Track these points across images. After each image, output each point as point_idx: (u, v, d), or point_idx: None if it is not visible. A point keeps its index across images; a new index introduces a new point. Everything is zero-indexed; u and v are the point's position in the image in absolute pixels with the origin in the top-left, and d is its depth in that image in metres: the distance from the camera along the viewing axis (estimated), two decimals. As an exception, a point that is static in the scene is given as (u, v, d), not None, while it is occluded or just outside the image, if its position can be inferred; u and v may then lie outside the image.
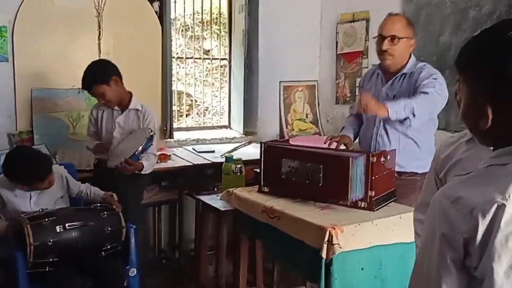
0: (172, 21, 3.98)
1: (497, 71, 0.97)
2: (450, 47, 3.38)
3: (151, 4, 3.74)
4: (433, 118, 2.58)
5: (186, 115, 4.65)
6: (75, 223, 2.34)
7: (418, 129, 2.52)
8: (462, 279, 1.00)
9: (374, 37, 2.65)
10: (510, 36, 0.96)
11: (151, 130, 2.78)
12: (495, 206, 0.94)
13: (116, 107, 2.92)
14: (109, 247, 2.42)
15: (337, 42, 4.43)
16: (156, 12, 3.76)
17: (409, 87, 2.55)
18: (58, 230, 2.27)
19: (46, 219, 2.28)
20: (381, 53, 2.59)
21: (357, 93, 4.18)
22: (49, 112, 3.38)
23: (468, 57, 1.04)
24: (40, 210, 2.41)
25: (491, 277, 0.94)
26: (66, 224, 2.30)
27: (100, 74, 2.80)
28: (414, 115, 2.35)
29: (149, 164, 2.85)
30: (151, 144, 2.78)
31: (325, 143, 2.71)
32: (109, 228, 2.43)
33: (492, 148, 1.06)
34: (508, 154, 1.01)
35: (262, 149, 2.53)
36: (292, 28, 4.43)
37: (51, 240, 2.23)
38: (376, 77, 2.75)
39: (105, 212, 2.48)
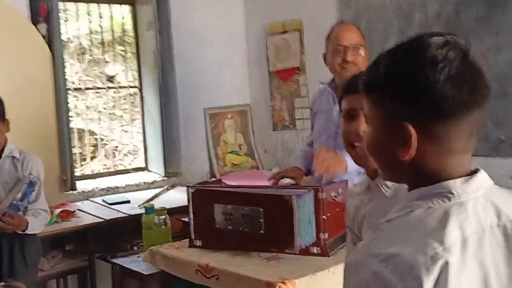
0: (64, 44, 3.95)
1: (423, 90, 0.99)
2: (397, 56, 3.60)
3: (36, 27, 3.70)
4: None
5: (91, 159, 4.57)
6: None
7: None
8: None
9: (331, 49, 2.74)
10: (436, 50, 0.99)
11: (32, 176, 2.81)
12: (439, 259, 0.94)
13: None
14: None
15: (268, 58, 4.59)
16: (43, 36, 3.73)
17: None
18: None
19: None
20: (343, 65, 2.70)
21: (297, 117, 4.30)
22: None
23: (384, 75, 1.05)
24: None
25: None
26: None
27: None
28: None
29: (37, 221, 2.84)
30: (33, 190, 2.81)
31: (268, 181, 2.77)
32: None
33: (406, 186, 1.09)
34: (433, 196, 1.02)
35: (189, 194, 2.53)
36: (214, 46, 4.56)
37: None
38: (322, 96, 2.88)
39: None
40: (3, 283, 2.50)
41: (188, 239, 2.57)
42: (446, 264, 0.95)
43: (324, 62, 2.84)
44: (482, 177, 1.04)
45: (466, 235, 0.99)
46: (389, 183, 1.49)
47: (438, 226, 0.99)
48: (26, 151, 2.96)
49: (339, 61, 2.71)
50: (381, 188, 1.53)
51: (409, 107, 1.00)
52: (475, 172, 1.05)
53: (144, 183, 4.26)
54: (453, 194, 1.01)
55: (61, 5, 3.88)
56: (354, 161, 1.65)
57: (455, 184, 1.02)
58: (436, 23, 3.43)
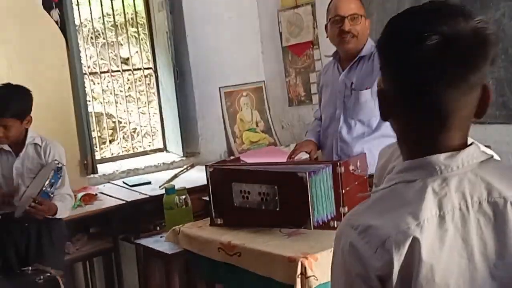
0: (77, 28, 3.96)
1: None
2: (410, 27, 3.56)
3: (49, 13, 3.71)
4: None
5: (110, 142, 4.61)
6: None
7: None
8: None
9: (330, 19, 2.75)
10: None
11: (58, 162, 2.83)
12: (410, 236, 0.95)
13: (7, 147, 2.91)
14: None
15: (281, 33, 4.56)
16: (56, 22, 3.75)
17: (369, 71, 2.71)
18: None
19: None
20: (342, 35, 2.72)
21: (313, 92, 4.30)
22: None
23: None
24: None
25: None
26: None
27: (18, 106, 2.83)
28: None
29: (64, 206, 2.89)
30: (61, 176, 2.83)
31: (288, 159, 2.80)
32: None
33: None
34: (416, 169, 1.02)
35: (208, 173, 2.56)
36: (226, 23, 4.54)
37: None
38: (332, 67, 2.90)
39: (41, 277, 2.47)
40: (31, 268, 2.55)
41: (209, 218, 2.60)
42: (417, 240, 0.95)
43: (325, 32, 2.86)
44: (470, 152, 1.01)
45: (444, 211, 0.98)
46: None
47: (415, 201, 0.99)
48: (48, 138, 2.99)
49: (336, 32, 2.73)
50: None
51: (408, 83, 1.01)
52: (468, 145, 1.03)
53: (163, 163, 4.29)
54: (435, 169, 1.00)
55: (72, -11, 3.88)
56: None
57: (438, 159, 1.00)
58: None
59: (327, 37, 2.86)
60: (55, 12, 3.73)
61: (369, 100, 2.70)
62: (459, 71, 0.97)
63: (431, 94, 0.98)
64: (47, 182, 2.76)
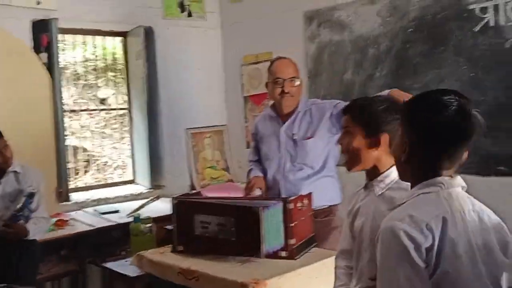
0: (61, 71, 3.94)
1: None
2: (354, 85, 3.70)
3: (38, 55, 3.69)
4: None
5: (84, 173, 4.53)
6: None
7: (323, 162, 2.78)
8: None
9: (272, 80, 2.81)
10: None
11: (33, 188, 2.82)
12: (441, 219, 1.28)
13: None
14: None
15: (242, 85, 4.62)
16: (44, 64, 3.71)
17: (308, 122, 2.79)
18: None
19: None
20: (282, 95, 2.78)
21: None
22: None
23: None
24: None
25: (461, 277, 1.27)
26: None
27: None
28: None
29: (37, 228, 2.84)
30: (31, 202, 2.80)
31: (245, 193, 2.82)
32: None
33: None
34: (430, 185, 1.36)
35: (173, 204, 2.54)
36: (195, 73, 4.58)
37: None
38: (269, 120, 2.93)
39: None
40: (5, 285, 2.46)
41: (171, 245, 2.56)
42: (445, 220, 1.29)
43: (266, 89, 2.93)
44: (459, 179, 1.40)
45: (453, 210, 1.32)
46: (381, 185, 1.78)
47: (435, 203, 1.33)
48: (27, 165, 2.95)
49: (279, 92, 2.79)
50: (374, 187, 1.79)
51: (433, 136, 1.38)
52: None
53: (132, 194, 4.23)
54: (444, 185, 1.36)
55: (60, 36, 3.86)
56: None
57: (444, 179, 1.37)
58: (388, 57, 3.50)
59: (267, 93, 2.94)
60: (44, 56, 3.71)
61: (313, 147, 2.76)
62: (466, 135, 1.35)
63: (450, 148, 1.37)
64: (17, 207, 2.74)
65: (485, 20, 2.99)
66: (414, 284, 1.25)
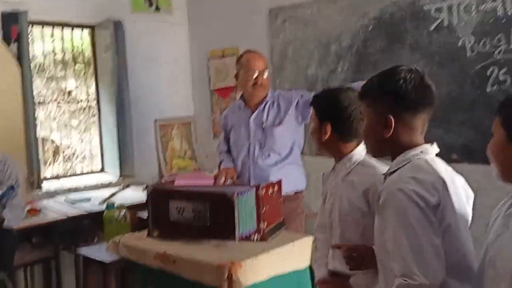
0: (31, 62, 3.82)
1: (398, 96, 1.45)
2: (317, 79, 3.74)
3: (8, 47, 3.57)
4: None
5: (51, 163, 4.42)
6: None
7: (289, 149, 2.84)
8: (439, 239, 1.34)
9: (245, 72, 2.84)
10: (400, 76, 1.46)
11: (12, 179, 2.77)
12: (442, 181, 1.38)
13: None
14: None
15: (209, 78, 4.61)
16: (14, 54, 3.60)
17: (276, 111, 2.85)
18: None
19: None
20: (254, 87, 2.84)
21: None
22: None
23: (374, 89, 1.51)
24: None
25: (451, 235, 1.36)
26: None
27: None
28: None
29: (13, 216, 2.78)
30: (13, 193, 2.75)
31: (215, 183, 2.82)
32: None
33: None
34: (415, 154, 1.45)
35: (148, 192, 2.53)
36: (163, 66, 4.54)
37: None
38: (238, 110, 2.98)
39: None
40: None
41: (146, 231, 2.54)
42: (444, 182, 1.39)
43: (235, 79, 2.95)
44: (435, 145, 1.50)
45: (441, 170, 1.42)
46: (346, 166, 1.88)
47: (429, 166, 1.42)
48: (6, 155, 2.87)
49: (250, 83, 2.84)
50: (338, 171, 1.90)
51: (390, 105, 1.46)
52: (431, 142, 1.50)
53: (102, 183, 4.16)
54: (422, 152, 1.45)
55: (29, 28, 3.75)
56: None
57: (425, 147, 1.47)
58: (349, 53, 3.55)
59: (236, 84, 2.98)
60: (14, 47, 3.59)
61: (280, 135, 2.82)
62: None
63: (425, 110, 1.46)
64: None
65: (439, 20, 3.06)
66: (436, 243, 1.31)
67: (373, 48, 3.42)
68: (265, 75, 2.86)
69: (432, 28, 3.10)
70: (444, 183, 1.38)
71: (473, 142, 2.93)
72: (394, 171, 1.46)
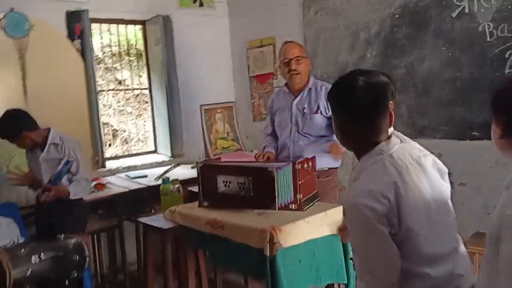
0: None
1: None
2: (347, 65, 3.78)
3: (72, 42, 3.78)
4: None
5: (110, 145, 4.66)
6: (49, 252, 2.34)
7: (326, 132, 2.91)
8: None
9: (281, 61, 2.94)
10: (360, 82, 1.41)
11: (69, 156, 2.88)
12: (393, 184, 1.35)
13: (34, 149, 2.95)
14: (75, 275, 2.45)
15: (248, 66, 4.70)
16: (77, 50, 3.80)
17: (315, 99, 2.92)
18: (33, 261, 2.26)
19: (22, 250, 2.29)
20: (290, 73, 2.91)
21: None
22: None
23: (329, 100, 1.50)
24: (13, 242, 2.42)
25: (413, 230, 1.35)
26: (41, 254, 2.30)
27: (7, 132, 2.85)
28: None
29: (78, 188, 2.91)
30: (70, 167, 2.88)
31: (255, 159, 2.95)
32: (77, 257, 2.44)
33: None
34: (374, 155, 1.42)
35: (199, 168, 2.66)
36: (207, 57, 4.65)
37: (30, 270, 2.24)
38: (283, 95, 3.07)
39: (72, 242, 2.50)
40: (63, 235, 2.59)
41: (197, 202, 2.67)
42: (396, 184, 1.36)
43: (279, 69, 3.04)
44: (394, 139, 1.45)
45: (399, 169, 1.40)
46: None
47: (383, 170, 1.40)
48: (65, 136, 2.99)
49: (286, 71, 2.91)
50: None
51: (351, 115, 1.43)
52: (389, 137, 1.46)
53: (156, 162, 4.33)
54: (383, 151, 1.42)
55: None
56: None
57: (382, 145, 1.43)
58: (377, 40, 3.57)
59: (280, 73, 3.02)
60: (78, 42, 3.78)
61: (319, 120, 2.90)
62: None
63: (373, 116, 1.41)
64: (55, 173, 2.84)
65: (461, 7, 3.05)
66: (385, 250, 1.33)
67: (399, 34, 3.44)
68: (301, 62, 2.89)
69: (454, 15, 3.10)
70: (395, 184, 1.34)
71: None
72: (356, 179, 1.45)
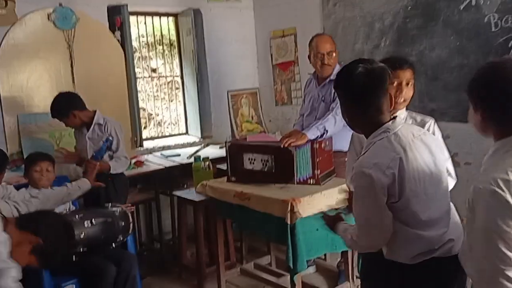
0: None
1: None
2: (363, 53, 3.83)
3: (113, 34, 3.96)
4: None
5: (145, 127, 4.83)
6: (99, 218, 2.55)
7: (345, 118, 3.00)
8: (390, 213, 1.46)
9: (313, 53, 2.99)
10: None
11: (110, 135, 3.02)
12: (398, 158, 1.45)
13: (81, 128, 3.11)
14: (121, 238, 2.67)
15: (271, 55, 4.76)
16: (118, 41, 3.97)
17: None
18: (86, 225, 2.47)
19: (76, 216, 2.49)
20: (322, 66, 2.99)
21: (293, 96, 4.59)
22: (35, 134, 3.52)
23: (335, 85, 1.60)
24: (67, 211, 2.65)
25: (411, 199, 1.46)
26: (93, 220, 2.50)
27: (59, 111, 3.00)
28: (326, 131, 2.79)
29: (117, 164, 3.04)
30: (109, 145, 3.01)
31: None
32: (122, 223, 2.65)
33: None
34: (380, 133, 1.51)
35: (227, 147, 2.82)
36: (233, 45, 4.72)
37: (83, 233, 2.45)
38: (311, 82, 3.20)
39: (118, 210, 2.70)
40: (110, 204, 2.77)
41: (226, 177, 2.85)
42: (401, 159, 1.46)
43: (308, 60, 3.11)
44: (398, 119, 1.58)
45: (403, 145, 1.50)
46: None
47: (390, 146, 1.50)
48: (108, 118, 3.13)
49: (319, 64, 2.99)
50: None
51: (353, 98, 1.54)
52: (394, 118, 1.58)
53: (187, 143, 4.46)
54: (389, 129, 1.51)
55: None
56: None
57: (388, 124, 1.52)
58: (391, 30, 3.61)
59: (310, 63, 3.07)
60: (118, 34, 3.94)
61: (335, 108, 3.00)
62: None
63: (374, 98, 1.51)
64: (97, 149, 2.97)
65: (468, 0, 3.09)
66: (380, 211, 1.45)
67: (411, 25, 3.48)
68: (333, 55, 2.96)
69: (461, 7, 3.14)
70: (400, 159, 1.44)
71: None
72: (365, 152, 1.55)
